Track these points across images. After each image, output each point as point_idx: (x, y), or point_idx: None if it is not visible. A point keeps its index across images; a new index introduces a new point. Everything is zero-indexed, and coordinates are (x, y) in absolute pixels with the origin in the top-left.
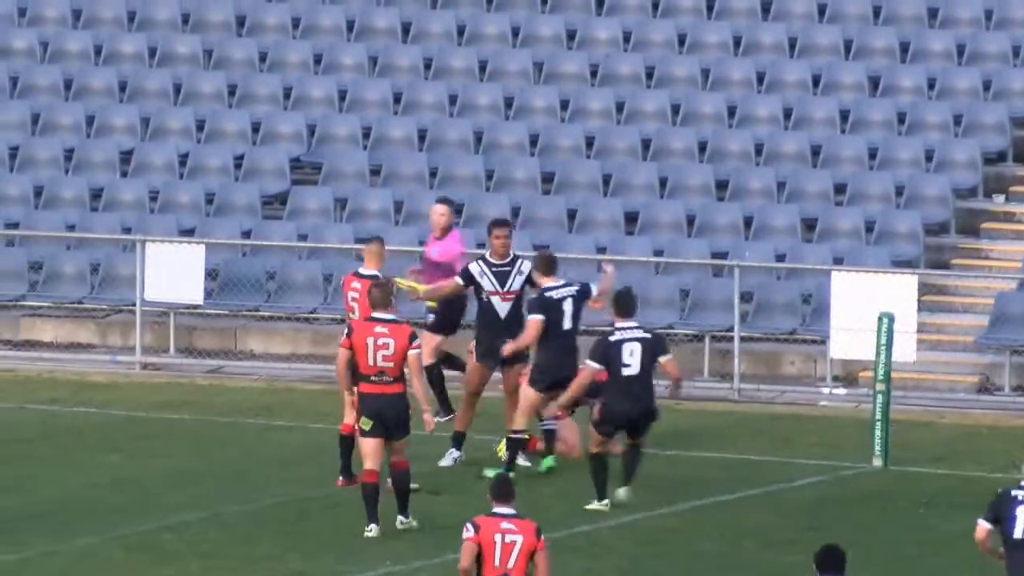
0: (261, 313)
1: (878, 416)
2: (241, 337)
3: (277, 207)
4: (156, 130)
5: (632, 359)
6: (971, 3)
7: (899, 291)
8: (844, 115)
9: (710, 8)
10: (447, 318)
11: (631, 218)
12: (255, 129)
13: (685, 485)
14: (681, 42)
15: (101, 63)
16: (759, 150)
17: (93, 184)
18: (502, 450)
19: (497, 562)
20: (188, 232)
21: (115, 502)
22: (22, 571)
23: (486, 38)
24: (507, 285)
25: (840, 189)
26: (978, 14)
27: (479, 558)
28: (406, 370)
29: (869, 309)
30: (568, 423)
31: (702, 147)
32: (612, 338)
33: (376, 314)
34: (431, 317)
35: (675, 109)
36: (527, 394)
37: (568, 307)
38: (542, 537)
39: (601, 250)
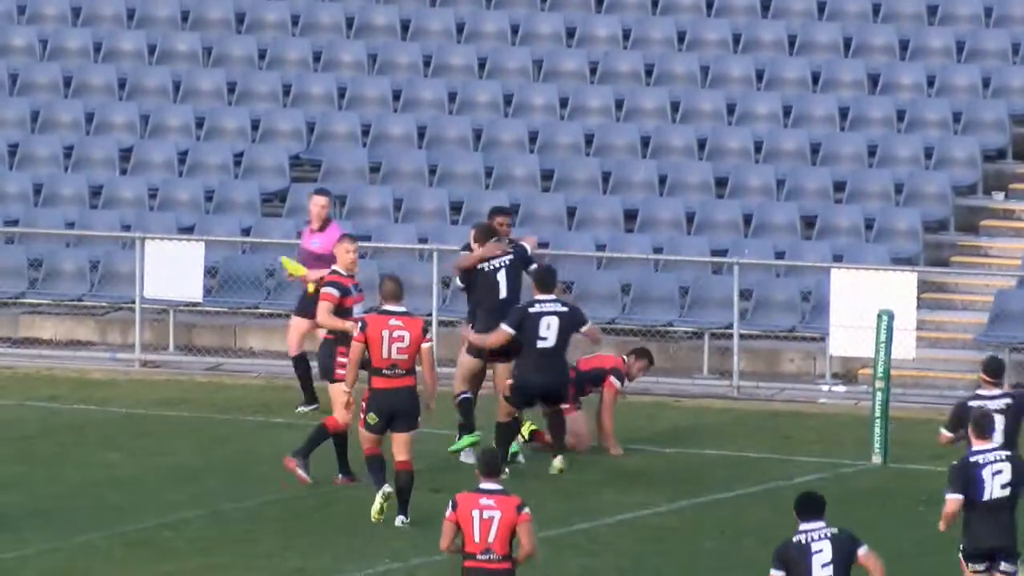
0: (260, 310)
1: (877, 414)
2: (240, 334)
3: (277, 204)
4: (155, 128)
5: (549, 332)
6: (970, 0)
7: (898, 288)
8: (843, 112)
9: (709, 6)
10: (307, 305)
11: (630, 215)
12: (254, 127)
13: (684, 482)
14: (680, 40)
15: (100, 60)
16: (758, 147)
17: (92, 181)
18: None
19: (477, 537)
20: (187, 230)
21: (114, 499)
22: (22, 568)
23: (485, 35)
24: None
25: (839, 186)
26: (977, 11)
27: (461, 535)
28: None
29: (868, 306)
30: (578, 416)
31: (701, 144)
32: (531, 309)
33: (388, 307)
34: (300, 303)
35: (674, 107)
36: (463, 361)
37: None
38: (524, 511)
39: (600, 247)
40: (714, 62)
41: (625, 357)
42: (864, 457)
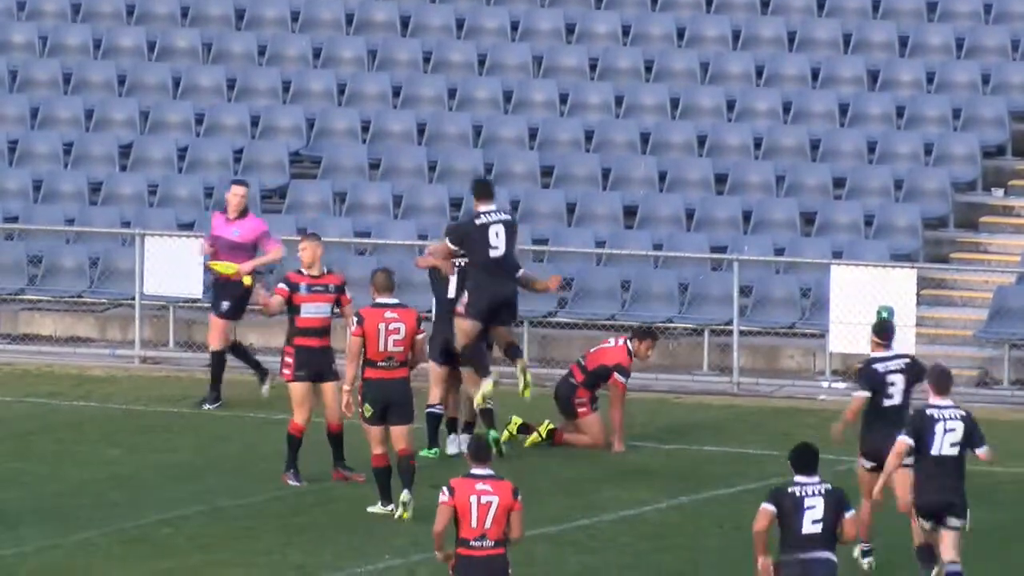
0: (260, 307)
1: None
2: (240, 331)
3: (276, 201)
4: (155, 124)
5: (498, 240)
6: None
7: (898, 285)
8: (843, 109)
9: (709, 2)
10: (239, 305)
11: (630, 212)
12: (254, 123)
13: (684, 479)
14: (680, 36)
15: (100, 57)
16: (758, 144)
17: (92, 178)
18: (514, 426)
19: (474, 523)
20: (187, 226)
21: (114, 496)
22: (20, 565)
23: (485, 32)
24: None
25: (839, 183)
26: (977, 8)
27: (456, 521)
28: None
29: (868, 303)
30: (594, 417)
31: (701, 141)
32: (478, 221)
33: (381, 299)
34: (225, 305)
35: (674, 103)
36: (432, 368)
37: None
38: (519, 497)
39: (600, 243)
40: (714, 58)
41: (628, 342)
42: None
